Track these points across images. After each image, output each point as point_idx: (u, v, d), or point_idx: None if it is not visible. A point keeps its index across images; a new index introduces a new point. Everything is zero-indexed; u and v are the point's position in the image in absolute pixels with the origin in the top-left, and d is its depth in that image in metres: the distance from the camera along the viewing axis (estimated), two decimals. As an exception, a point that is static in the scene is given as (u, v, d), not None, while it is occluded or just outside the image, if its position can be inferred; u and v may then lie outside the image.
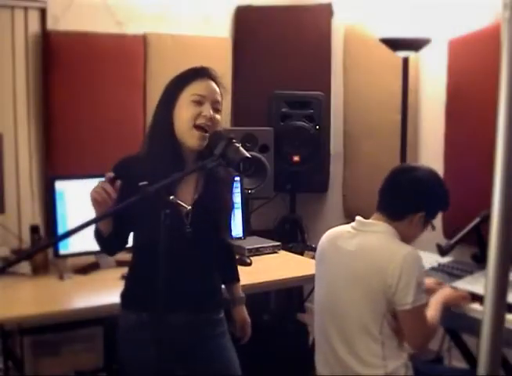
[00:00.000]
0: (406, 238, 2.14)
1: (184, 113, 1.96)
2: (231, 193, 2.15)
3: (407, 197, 2.12)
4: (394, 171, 2.20)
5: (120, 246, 2.07)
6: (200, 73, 2.02)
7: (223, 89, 2.06)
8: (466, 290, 2.38)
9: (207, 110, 1.95)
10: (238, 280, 2.36)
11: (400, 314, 2.01)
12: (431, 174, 2.19)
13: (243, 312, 2.33)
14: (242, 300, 2.34)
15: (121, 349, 2.06)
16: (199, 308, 2.06)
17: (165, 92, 2.04)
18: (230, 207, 2.11)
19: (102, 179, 1.87)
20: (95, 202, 1.85)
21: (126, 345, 2.04)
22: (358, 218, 2.19)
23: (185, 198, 2.00)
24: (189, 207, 1.99)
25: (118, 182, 1.86)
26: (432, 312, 2.13)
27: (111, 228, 1.96)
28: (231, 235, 2.27)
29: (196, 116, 1.95)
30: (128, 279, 2.12)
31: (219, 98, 2.02)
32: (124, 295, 2.08)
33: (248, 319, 2.34)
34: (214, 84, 2.02)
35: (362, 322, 2.05)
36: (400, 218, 2.12)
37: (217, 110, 2.00)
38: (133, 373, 2.03)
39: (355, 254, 2.09)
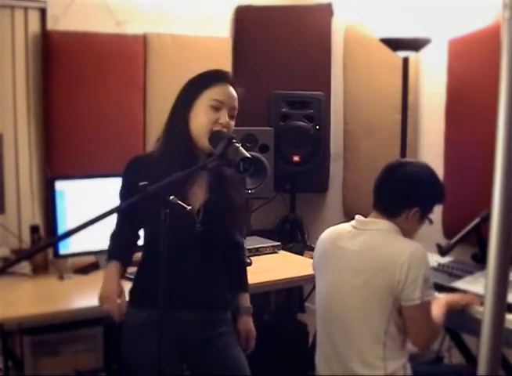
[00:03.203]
0: (405, 234, 2.13)
1: (201, 118, 1.96)
2: (241, 192, 2.11)
3: (400, 194, 2.11)
4: (386, 168, 2.18)
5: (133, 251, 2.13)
6: (221, 77, 2.00)
7: (239, 93, 2.04)
8: (465, 289, 2.39)
9: (224, 117, 1.95)
10: (245, 290, 2.28)
11: (407, 310, 2.00)
12: (423, 168, 2.17)
13: (247, 323, 2.26)
14: (247, 310, 2.27)
15: (128, 346, 2.06)
16: (207, 307, 2.07)
17: (184, 92, 2.02)
18: (240, 207, 2.09)
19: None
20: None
21: (133, 343, 2.04)
22: (357, 217, 2.18)
23: (197, 198, 2.01)
24: (200, 206, 2.00)
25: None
26: (436, 311, 2.12)
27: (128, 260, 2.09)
28: (242, 237, 2.22)
29: (213, 122, 1.95)
30: (137, 276, 2.13)
31: (236, 104, 2.00)
32: (132, 292, 2.10)
33: (253, 331, 2.27)
34: (232, 90, 2.00)
35: (367, 322, 2.04)
36: (396, 215, 2.11)
37: (232, 117, 2.00)
38: (139, 371, 2.03)
39: (360, 253, 2.08)
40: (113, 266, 2.05)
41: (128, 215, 2.03)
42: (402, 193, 2.11)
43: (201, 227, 1.99)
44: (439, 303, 2.19)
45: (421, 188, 2.12)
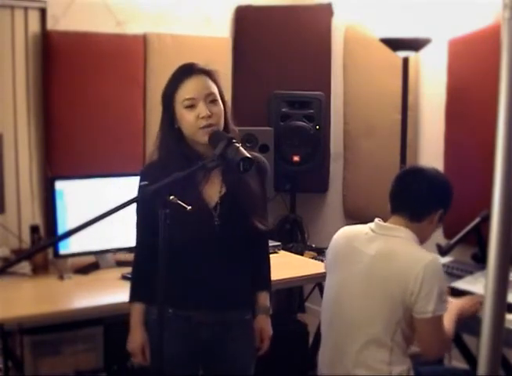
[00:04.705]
0: (423, 238, 2.13)
1: (184, 120, 1.97)
2: (257, 180, 2.08)
3: (427, 197, 2.11)
4: (403, 174, 2.20)
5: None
6: (183, 73, 2.00)
7: (215, 75, 2.02)
8: (467, 290, 2.38)
9: (203, 110, 1.94)
10: (263, 288, 2.19)
11: (419, 322, 1.99)
12: (437, 171, 2.22)
13: (263, 323, 2.17)
14: (265, 310, 2.18)
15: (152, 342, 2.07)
16: (220, 307, 2.04)
17: (162, 101, 2.04)
18: (258, 194, 2.06)
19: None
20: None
21: (154, 339, 2.06)
22: (377, 220, 2.15)
23: (212, 195, 2.02)
24: (217, 202, 2.00)
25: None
26: (447, 321, 2.09)
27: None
28: (265, 226, 2.09)
29: (195, 119, 1.95)
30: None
31: (211, 89, 1.98)
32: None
33: (269, 332, 2.19)
34: (201, 79, 1.98)
35: (374, 328, 2.02)
36: (422, 219, 2.10)
37: (214, 101, 1.98)
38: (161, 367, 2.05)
39: (375, 258, 2.06)
40: (137, 312, 2.06)
41: (146, 223, 2.00)
42: (430, 196, 2.12)
43: (219, 221, 1.99)
44: (450, 312, 2.15)
45: (444, 190, 2.15)
